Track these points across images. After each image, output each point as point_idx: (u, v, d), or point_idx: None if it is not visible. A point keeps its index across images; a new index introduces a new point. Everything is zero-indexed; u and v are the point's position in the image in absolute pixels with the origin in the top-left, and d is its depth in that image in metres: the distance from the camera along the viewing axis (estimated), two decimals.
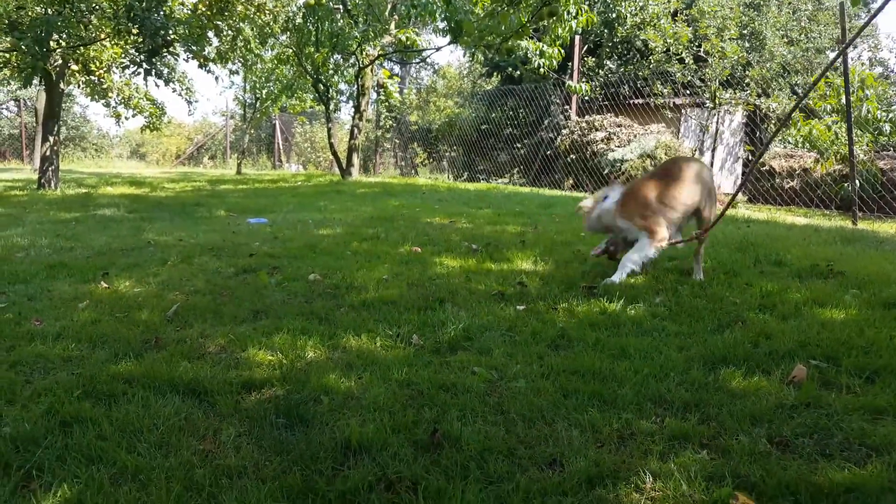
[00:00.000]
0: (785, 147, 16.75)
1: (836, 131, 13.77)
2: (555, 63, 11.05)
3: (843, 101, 10.30)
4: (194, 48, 11.74)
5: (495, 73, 20.52)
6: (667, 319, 3.29)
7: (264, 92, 16.36)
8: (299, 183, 12.36)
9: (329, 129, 13.19)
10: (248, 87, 17.41)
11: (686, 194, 4.09)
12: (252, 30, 12.17)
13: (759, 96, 16.38)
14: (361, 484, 1.66)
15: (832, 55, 19.12)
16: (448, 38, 10.42)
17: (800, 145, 15.64)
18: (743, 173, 17.09)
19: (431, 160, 20.51)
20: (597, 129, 14.40)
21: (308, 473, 1.72)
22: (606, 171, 13.37)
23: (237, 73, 14.96)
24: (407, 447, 1.87)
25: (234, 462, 1.77)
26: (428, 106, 22.00)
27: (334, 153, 13.35)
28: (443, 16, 9.83)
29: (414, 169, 20.27)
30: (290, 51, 13.23)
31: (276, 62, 14.36)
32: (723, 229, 6.60)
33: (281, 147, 23.34)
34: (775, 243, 5.57)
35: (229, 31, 12.53)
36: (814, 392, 2.34)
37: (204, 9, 10.90)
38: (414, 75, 28.89)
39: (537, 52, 11.20)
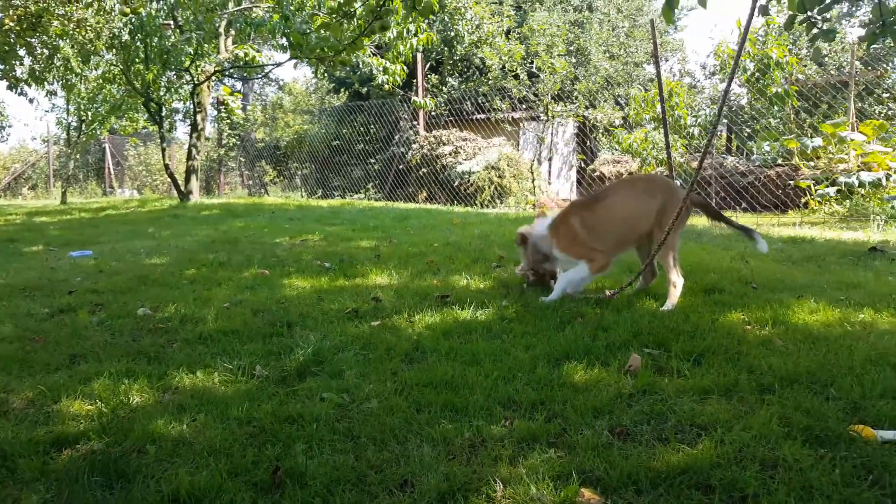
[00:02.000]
0: (612, 154, 18.15)
1: (654, 139, 15.15)
2: (398, 80, 11.17)
3: (659, 110, 11.34)
4: (1, 67, 10.56)
5: (342, 90, 20.39)
6: (514, 321, 3.37)
7: (90, 113, 15.04)
8: (132, 209, 11.45)
9: (164, 150, 12.35)
10: (71, 109, 15.93)
11: (616, 218, 3.78)
12: (73, 48, 11.15)
13: (586, 108, 17.61)
14: None
15: (649, 68, 21.01)
16: (288, 55, 10.17)
17: (623, 152, 17.01)
18: (578, 180, 18.28)
19: (282, 178, 19.90)
20: (444, 144, 14.76)
21: None
22: (456, 183, 13.72)
23: (55, 94, 13.62)
24: (245, 491, 1.72)
25: None
26: (275, 122, 21.36)
27: (171, 175, 12.53)
28: (282, 32, 9.60)
29: (263, 188, 19.55)
30: (118, 69, 12.28)
31: (102, 81, 13.24)
32: None
33: (112, 172, 21.56)
34: None
35: (44, 49, 11.42)
36: (648, 379, 2.48)
37: (12, 24, 9.82)
38: (258, 92, 28.01)
39: (381, 69, 11.26)
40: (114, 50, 10.93)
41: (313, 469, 1.82)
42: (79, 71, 12.56)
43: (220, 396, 2.43)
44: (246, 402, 2.34)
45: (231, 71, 12.81)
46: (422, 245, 5.88)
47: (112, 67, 12.93)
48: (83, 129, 15.92)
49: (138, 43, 10.93)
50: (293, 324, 3.42)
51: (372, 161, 17.68)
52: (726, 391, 2.38)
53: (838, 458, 1.81)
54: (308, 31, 9.42)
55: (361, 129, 17.86)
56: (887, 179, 12.09)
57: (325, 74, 17.88)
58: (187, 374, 2.65)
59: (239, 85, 24.37)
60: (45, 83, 12.21)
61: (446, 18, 16.02)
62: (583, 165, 17.99)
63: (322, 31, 9.63)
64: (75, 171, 19.18)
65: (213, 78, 13.38)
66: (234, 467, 1.85)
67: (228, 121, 17.05)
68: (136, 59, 10.93)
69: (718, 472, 1.77)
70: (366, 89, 18.37)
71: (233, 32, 11.87)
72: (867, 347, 2.75)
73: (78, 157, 18.24)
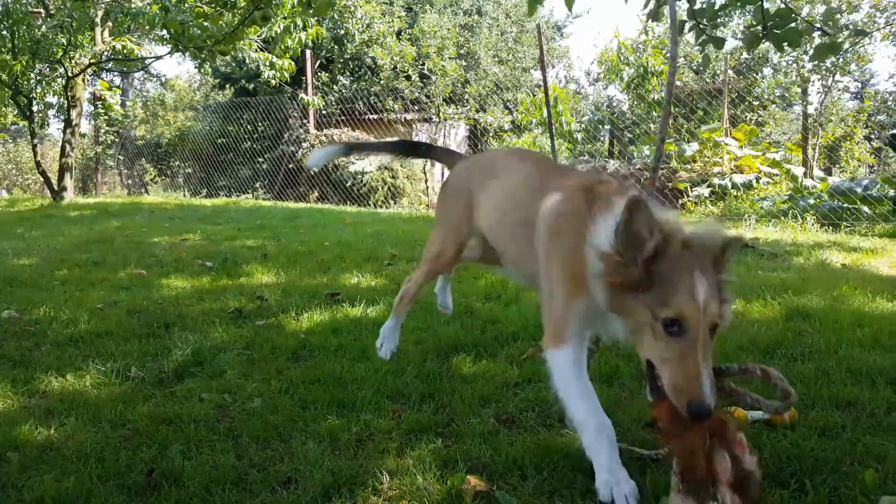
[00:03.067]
0: None
1: (541, 144, 15.73)
2: (286, 75, 10.89)
3: (546, 114, 11.79)
4: None
5: (228, 85, 19.64)
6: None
7: None
8: (1, 209, 10.49)
9: (35, 147, 11.36)
10: None
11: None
12: None
13: (477, 111, 18.00)
14: None
15: (536, 73, 21.75)
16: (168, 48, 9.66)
17: None
18: None
19: (164, 177, 18.86)
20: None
21: None
22: (349, 183, 13.58)
23: None
24: (118, 495, 1.62)
25: None
26: (156, 119, 20.23)
27: (43, 173, 11.55)
28: (161, 23, 9.11)
29: (144, 187, 18.45)
30: None
31: None
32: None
33: None
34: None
35: None
36: (534, 368, 2.56)
37: None
38: (138, 87, 26.43)
39: (267, 63, 10.92)
40: None
41: (191, 470, 1.74)
42: None
43: (92, 399, 2.27)
44: (120, 404, 2.21)
45: (108, 64, 12.00)
46: (312, 244, 5.77)
47: None
48: None
49: (3, 31, 10.03)
50: (171, 324, 3.26)
51: (260, 160, 17.14)
52: (607, 378, 2.50)
53: None
54: (188, 21, 9.01)
55: (249, 126, 17.27)
56: (757, 181, 13.19)
57: (210, 69, 17.14)
58: (56, 378, 2.46)
59: (118, 80, 22.85)
60: None
61: (336, 16, 15.81)
62: None
63: (202, 21, 9.26)
64: None
65: (90, 71, 12.45)
66: (106, 471, 1.73)
67: (106, 117, 15.93)
68: (3, 49, 10.00)
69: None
70: (252, 85, 17.81)
71: (109, 24, 11.10)
72: (739, 335, 2.97)
73: None
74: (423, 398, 2.30)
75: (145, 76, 26.41)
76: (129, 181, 18.61)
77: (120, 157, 18.27)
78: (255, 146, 17.19)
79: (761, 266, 4.98)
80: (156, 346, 2.87)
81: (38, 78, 10.66)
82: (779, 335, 2.96)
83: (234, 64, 17.96)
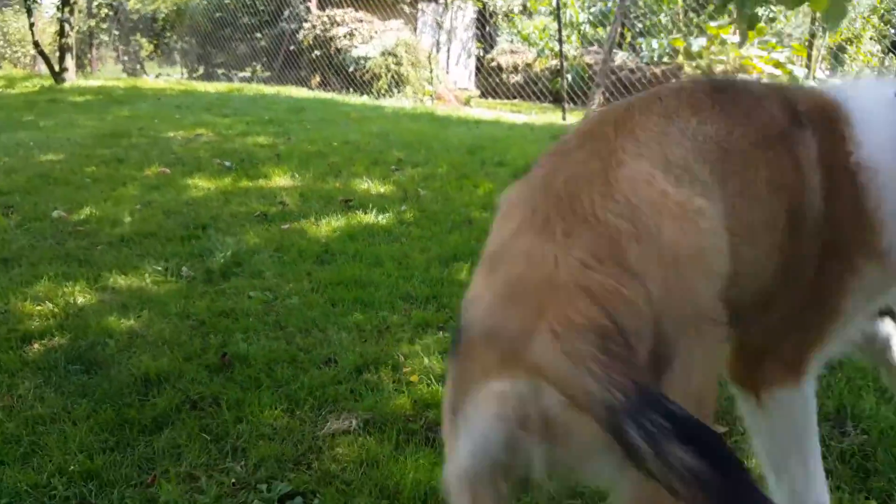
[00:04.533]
0: (510, 43, 18.35)
1: (551, 30, 15.49)
2: None
3: (555, 3, 11.68)
4: None
5: None
6: (412, 225, 3.85)
7: None
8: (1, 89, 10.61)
9: (32, 26, 11.28)
10: None
11: None
12: None
13: None
14: (169, 408, 1.94)
15: None
16: None
17: (520, 42, 17.30)
18: (477, 69, 18.42)
19: (160, 54, 18.61)
20: (339, 25, 14.33)
21: (118, 407, 1.94)
22: (352, 69, 13.54)
23: None
24: (202, 372, 2.16)
25: (43, 411, 1.91)
26: None
27: (42, 53, 11.54)
28: None
29: (140, 64, 18.27)
30: None
31: None
32: (456, 132, 7.39)
33: None
34: (498, 144, 6.46)
35: None
36: None
37: None
38: None
39: None
40: None
41: (253, 353, 2.28)
42: None
43: (157, 295, 2.79)
44: (181, 299, 2.72)
45: None
46: (320, 143, 6.11)
47: None
48: None
49: None
50: (206, 226, 3.71)
51: (258, 36, 16.89)
52: None
53: None
54: None
55: (247, 0, 16.88)
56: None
57: None
58: (120, 276, 2.96)
59: None
60: None
61: None
62: (481, 54, 18.08)
63: None
64: None
65: None
66: (187, 353, 2.27)
67: None
68: None
69: None
70: None
71: None
72: None
73: None
74: (428, 299, 2.81)
75: None
76: (126, 58, 18.40)
77: (115, 31, 17.96)
78: (252, 21, 16.86)
79: None
80: (198, 248, 3.35)
81: None
82: None
83: None
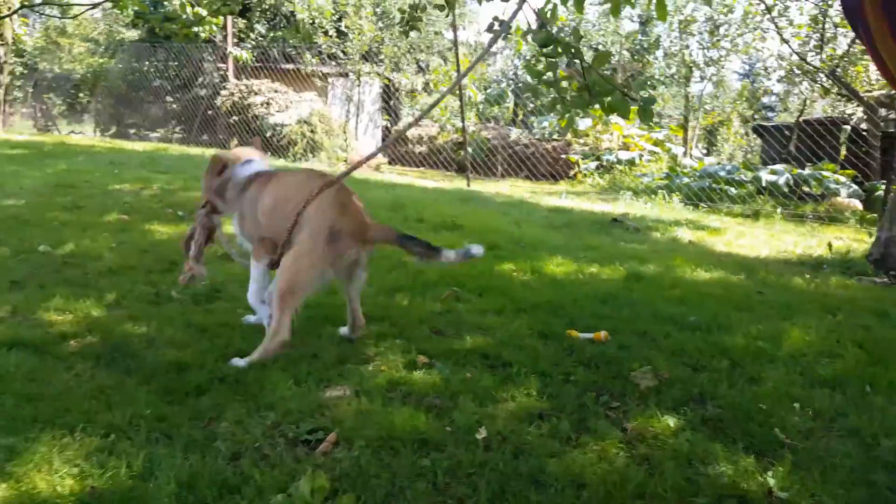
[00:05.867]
0: (413, 117, 19.67)
1: (452, 108, 16.92)
2: (216, 29, 11.34)
3: (455, 82, 12.96)
4: None
5: (140, 23, 19.32)
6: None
7: None
8: None
9: None
10: None
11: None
12: None
13: (392, 70, 18.86)
14: (203, 382, 2.55)
15: (448, 35, 22.70)
16: None
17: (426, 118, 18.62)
18: (382, 138, 19.57)
19: (72, 112, 18.54)
20: (256, 94, 15.09)
21: (162, 381, 2.53)
22: (269, 134, 14.25)
23: None
24: (219, 361, 2.77)
25: (105, 382, 2.47)
26: (59, 48, 19.62)
27: None
28: None
29: (52, 122, 18.10)
30: None
31: None
32: (376, 193, 8.22)
33: None
34: (416, 204, 7.33)
35: None
36: (450, 304, 3.86)
37: None
38: (39, 15, 24.98)
39: (194, 16, 11.31)
40: None
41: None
42: None
43: (157, 311, 3.35)
44: (180, 314, 3.30)
45: (39, 8, 11.89)
46: None
47: None
48: None
49: None
50: (177, 262, 4.26)
51: (170, 100, 17.31)
52: (498, 311, 3.82)
53: (557, 346, 3.30)
54: None
55: (161, 65, 17.32)
56: (640, 158, 15.00)
57: (130, 11, 16.91)
58: (120, 297, 3.49)
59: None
60: None
61: None
62: (388, 126, 19.28)
63: None
64: None
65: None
66: (201, 349, 2.87)
67: (14, 48, 15.57)
68: None
69: (492, 350, 3.17)
70: (161, 30, 17.72)
71: None
72: (588, 288, 4.37)
73: None
74: (382, 318, 3.53)
75: (40, 14, 24.95)
76: (39, 115, 18.21)
77: (28, 89, 17.84)
78: (165, 85, 17.29)
79: (624, 238, 6.51)
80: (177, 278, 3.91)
81: None
82: (615, 290, 4.40)
83: (148, 3, 17.77)
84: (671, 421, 2.48)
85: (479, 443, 2.21)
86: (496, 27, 4.07)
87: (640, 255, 5.53)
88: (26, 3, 10.63)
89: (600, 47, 25.12)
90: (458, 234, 5.82)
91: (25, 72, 17.38)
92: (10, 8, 10.91)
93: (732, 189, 10.89)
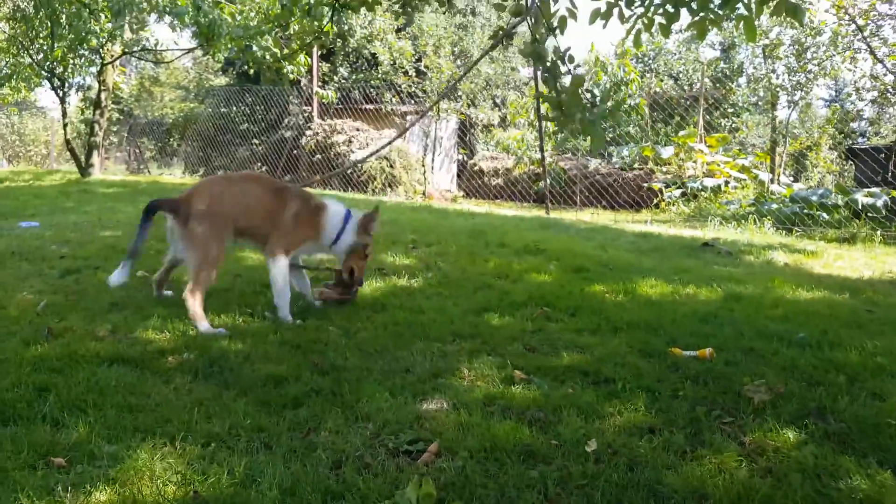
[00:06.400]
0: (489, 151, 19.82)
1: (528, 140, 16.90)
2: (303, 70, 11.87)
3: (532, 115, 12.95)
4: None
5: (230, 69, 20.47)
6: (440, 286, 4.51)
7: None
8: (29, 182, 11.34)
9: (66, 126, 12.26)
10: None
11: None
12: None
13: (468, 106, 19.10)
14: (300, 394, 2.52)
15: (524, 72, 22.88)
16: (196, 41, 10.60)
17: (499, 150, 18.74)
18: (458, 173, 19.76)
19: (163, 155, 19.75)
20: (339, 133, 15.59)
21: (259, 394, 2.52)
22: (350, 171, 14.63)
23: None
24: (314, 374, 2.75)
25: (204, 394, 2.48)
26: (151, 97, 21.07)
27: (72, 150, 12.45)
28: (193, 20, 10.06)
29: (145, 165, 19.32)
30: (5, 37, 11.95)
31: None
32: (456, 221, 8.21)
33: None
34: (496, 230, 7.25)
35: None
36: (541, 323, 3.72)
37: None
38: (135, 65, 27.03)
39: (284, 58, 11.87)
40: (12, 22, 10.71)
41: (347, 365, 2.87)
42: None
43: (252, 329, 3.38)
44: (273, 332, 3.32)
45: (139, 54, 12.85)
46: None
47: (2, 36, 12.52)
48: None
49: (43, 17, 10.83)
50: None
51: (256, 142, 18.12)
52: (593, 330, 3.65)
53: (660, 363, 3.11)
54: (217, 21, 9.97)
55: (248, 110, 18.20)
56: (726, 185, 14.46)
57: (221, 57, 18.05)
58: (216, 317, 3.55)
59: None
60: None
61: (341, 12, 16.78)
62: (464, 159, 19.45)
63: (230, 18, 10.22)
64: None
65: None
66: (296, 364, 2.85)
67: (113, 95, 16.83)
68: (41, 34, 10.83)
69: (591, 367, 3.02)
70: (253, 71, 18.70)
71: (136, 15, 11.99)
72: (686, 308, 4.15)
73: None
74: (473, 336, 3.44)
75: (139, 59, 27.02)
76: (132, 158, 19.48)
77: (124, 134, 19.14)
78: (251, 128, 18.14)
79: (716, 262, 6.19)
80: (270, 300, 3.96)
81: (75, 63, 11.51)
82: (714, 310, 4.15)
83: (235, 50, 18.87)
84: (791, 434, 2.28)
85: (588, 455, 2.06)
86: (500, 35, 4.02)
87: (736, 277, 5.23)
88: (127, 51, 11.47)
89: (681, 76, 24.71)
90: (542, 257, 5.68)
91: (121, 117, 18.65)
92: (112, 56, 11.75)
93: (824, 214, 10.30)
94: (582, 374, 2.90)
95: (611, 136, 18.13)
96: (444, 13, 20.27)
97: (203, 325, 3.32)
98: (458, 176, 19.63)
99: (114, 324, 3.34)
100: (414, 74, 17.41)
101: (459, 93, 18.23)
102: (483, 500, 1.78)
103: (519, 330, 3.60)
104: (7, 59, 12.15)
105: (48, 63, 11.21)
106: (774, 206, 11.14)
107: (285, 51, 11.77)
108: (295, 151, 16.25)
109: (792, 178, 21.76)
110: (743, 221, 10.17)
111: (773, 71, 19.45)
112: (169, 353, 2.96)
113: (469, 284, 4.59)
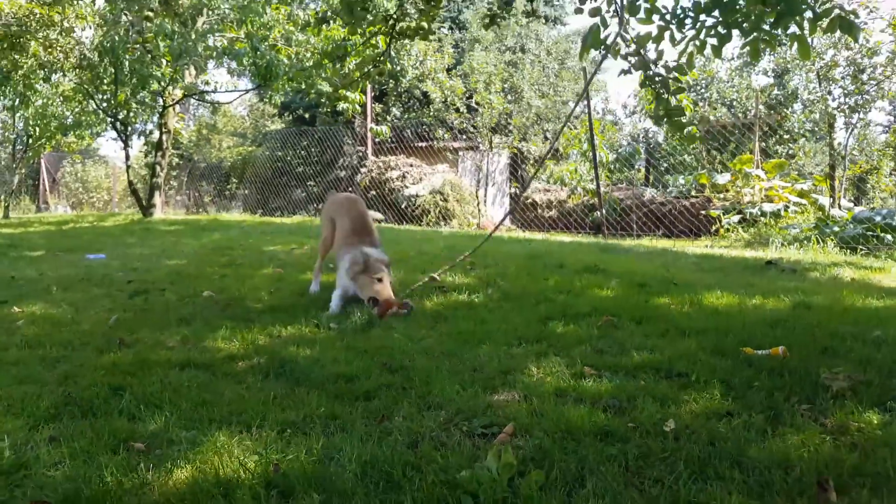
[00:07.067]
0: (543, 183, 19.83)
1: (581, 171, 16.87)
2: (358, 107, 12.25)
3: (585, 146, 12.95)
4: None
5: (287, 113, 21.27)
6: (501, 301, 4.50)
7: (37, 129, 15.24)
8: (93, 224, 11.94)
9: (129, 168, 12.92)
10: (19, 125, 16.07)
11: None
12: (38, 65, 11.61)
13: (520, 140, 19.26)
14: (370, 388, 2.55)
15: (572, 105, 22.98)
16: (254, 83, 11.09)
17: (552, 182, 18.75)
18: (511, 206, 19.79)
19: (221, 198, 20.50)
20: (392, 169, 15.91)
21: (330, 390, 2.56)
22: (404, 205, 14.87)
23: (11, 108, 13.88)
24: (383, 372, 2.78)
25: (276, 391, 2.54)
26: (208, 143, 22.00)
27: (134, 191, 13.08)
28: (252, 61, 10.55)
29: (203, 207, 20.09)
30: (74, 85, 12.76)
31: (60, 97, 13.65)
32: (512, 246, 8.22)
33: (47, 188, 21.43)
34: (553, 254, 7.21)
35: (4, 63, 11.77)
36: (608, 330, 3.67)
37: None
38: (193, 112, 28.37)
39: (341, 97, 12.30)
40: (78, 70, 11.45)
41: (414, 366, 2.88)
42: (38, 88, 12.94)
43: (319, 338, 3.44)
44: (340, 340, 3.37)
45: (199, 96, 13.51)
46: (399, 254, 6.94)
47: (70, 85, 13.35)
48: (29, 143, 16.08)
49: (107, 64, 11.51)
50: (329, 300, 4.42)
51: (311, 184, 18.64)
52: (661, 335, 3.58)
53: (733, 360, 3.02)
54: (275, 61, 10.42)
55: (303, 152, 18.79)
56: (786, 210, 14.11)
57: (277, 101, 18.84)
58: (283, 328, 3.63)
59: (178, 106, 24.87)
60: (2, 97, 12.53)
61: (392, 53, 17.31)
62: (516, 193, 19.52)
63: (287, 59, 10.65)
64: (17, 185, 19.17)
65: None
66: (364, 365, 2.89)
67: (173, 140, 17.73)
68: (105, 80, 11.52)
69: (663, 364, 2.95)
70: (309, 114, 19.37)
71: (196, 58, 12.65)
72: (754, 316, 4.03)
73: (23, 171, 18.22)
74: (538, 340, 3.41)
75: (199, 101, 28.39)
76: (191, 201, 20.30)
77: (184, 178, 20.00)
78: (307, 170, 18.70)
79: (781, 278, 6.00)
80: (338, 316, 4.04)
81: (137, 107, 12.18)
82: (784, 316, 4.01)
83: (294, 94, 19.67)
84: (874, 417, 2.18)
85: (667, 434, 2.01)
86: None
87: (804, 290, 5.05)
88: (187, 93, 12.05)
89: (735, 103, 24.37)
90: (602, 276, 5.61)
91: (181, 162, 19.50)
92: (173, 99, 12.38)
93: (889, 237, 9.89)
94: (654, 370, 2.84)
95: (665, 165, 17.96)
96: (497, 48, 20.68)
97: None
98: (512, 210, 19.65)
99: (182, 335, 3.45)
100: (465, 111, 17.71)
101: (511, 127, 18.41)
102: (564, 472, 1.75)
103: (585, 335, 3.55)
104: (73, 108, 12.95)
105: (112, 109, 11.88)
106: (836, 228, 10.79)
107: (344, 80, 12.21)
108: (350, 189, 16.63)
109: (853, 202, 20.97)
110: (805, 243, 9.86)
111: (830, 93, 18.97)
112: (239, 358, 3.04)
113: (531, 299, 4.56)
